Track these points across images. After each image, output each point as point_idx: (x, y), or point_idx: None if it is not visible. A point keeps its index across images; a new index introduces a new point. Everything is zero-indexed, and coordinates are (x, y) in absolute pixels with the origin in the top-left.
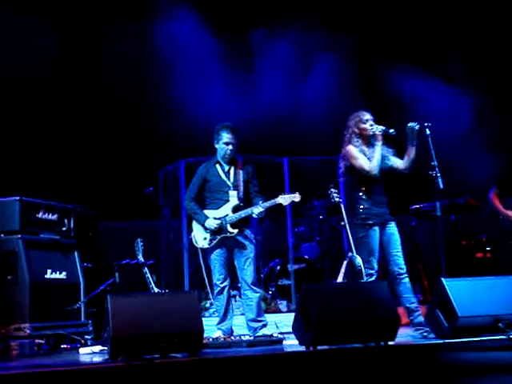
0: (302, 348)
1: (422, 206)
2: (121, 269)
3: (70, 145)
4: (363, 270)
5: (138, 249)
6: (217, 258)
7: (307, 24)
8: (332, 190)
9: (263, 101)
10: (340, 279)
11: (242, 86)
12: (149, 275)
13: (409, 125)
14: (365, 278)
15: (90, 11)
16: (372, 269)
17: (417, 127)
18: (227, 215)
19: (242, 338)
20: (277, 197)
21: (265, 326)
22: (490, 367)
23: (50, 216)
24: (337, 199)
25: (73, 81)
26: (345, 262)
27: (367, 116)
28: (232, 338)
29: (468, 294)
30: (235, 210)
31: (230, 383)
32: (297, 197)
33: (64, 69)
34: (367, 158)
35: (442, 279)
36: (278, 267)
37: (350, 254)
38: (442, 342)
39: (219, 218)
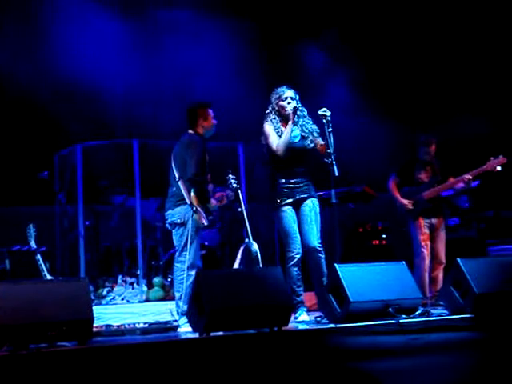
0: (196, 335)
1: (322, 193)
2: (11, 255)
3: None
4: (259, 255)
5: (30, 235)
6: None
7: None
8: (230, 175)
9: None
10: (236, 266)
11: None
12: (41, 262)
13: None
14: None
15: None
16: (292, 252)
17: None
18: None
19: (137, 325)
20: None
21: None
22: (379, 351)
23: None
24: (234, 185)
25: None
26: (241, 249)
27: (287, 93)
28: (126, 325)
29: (360, 279)
30: None
31: (121, 371)
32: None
33: None
34: (279, 137)
35: (336, 265)
36: None
37: (246, 240)
38: (334, 326)
39: None
